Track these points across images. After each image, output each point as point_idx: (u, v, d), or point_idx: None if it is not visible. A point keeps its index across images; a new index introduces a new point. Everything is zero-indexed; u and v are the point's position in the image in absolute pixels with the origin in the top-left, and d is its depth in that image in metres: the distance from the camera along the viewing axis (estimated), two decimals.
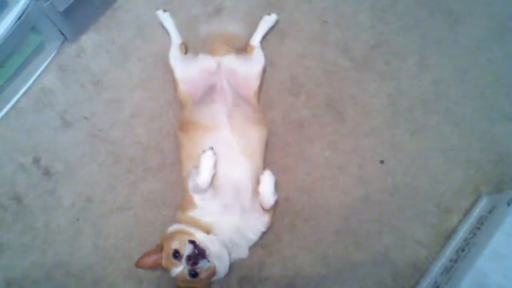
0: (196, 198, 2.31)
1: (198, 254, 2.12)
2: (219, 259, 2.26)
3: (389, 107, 2.89)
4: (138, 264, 2.30)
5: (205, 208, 2.32)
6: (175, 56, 2.76)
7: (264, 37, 2.94)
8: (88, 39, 2.99)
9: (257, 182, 2.33)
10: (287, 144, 2.83)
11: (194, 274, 2.16)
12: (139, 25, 3.02)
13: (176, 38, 2.86)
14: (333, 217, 2.73)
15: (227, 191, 2.33)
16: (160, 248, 2.29)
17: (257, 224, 2.40)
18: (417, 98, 2.90)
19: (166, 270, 2.27)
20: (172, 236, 2.27)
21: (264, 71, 2.78)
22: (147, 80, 2.93)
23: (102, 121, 2.86)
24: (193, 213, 2.33)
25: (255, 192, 2.32)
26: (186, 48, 2.88)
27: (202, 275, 2.19)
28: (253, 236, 2.42)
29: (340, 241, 2.69)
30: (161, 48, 2.97)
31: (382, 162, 2.80)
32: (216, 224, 2.31)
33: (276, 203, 2.37)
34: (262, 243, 2.65)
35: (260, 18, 2.98)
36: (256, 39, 2.86)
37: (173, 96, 2.86)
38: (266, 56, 2.86)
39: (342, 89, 2.92)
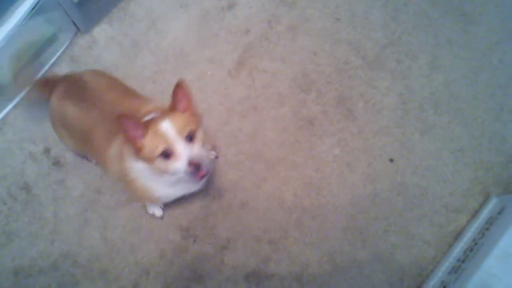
0: None
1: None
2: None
3: (400, 106, 2.88)
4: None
5: None
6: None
7: (277, 33, 2.95)
8: (101, 31, 3.00)
9: None
10: (296, 141, 2.83)
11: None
12: (151, 18, 3.03)
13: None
14: (341, 214, 2.72)
15: None
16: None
17: None
18: (428, 98, 2.89)
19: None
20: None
21: None
22: (158, 74, 2.94)
23: None
24: None
25: None
26: None
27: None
28: None
29: (347, 238, 2.69)
30: (173, 42, 2.98)
31: (391, 160, 2.79)
32: None
33: None
34: (269, 238, 2.66)
35: (272, 15, 2.99)
36: None
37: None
38: (279, 52, 2.90)
39: (353, 87, 2.91)
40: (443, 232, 2.68)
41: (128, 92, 2.41)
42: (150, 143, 1.89)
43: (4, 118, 2.84)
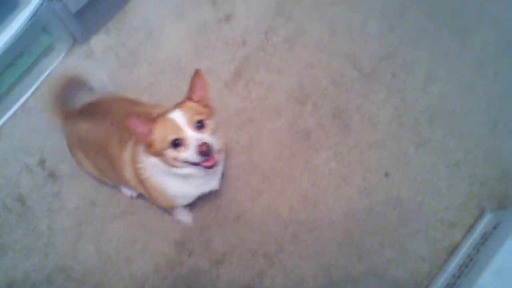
0: None
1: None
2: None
3: (395, 119, 2.88)
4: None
5: None
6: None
7: (273, 45, 2.97)
8: (98, 42, 3.00)
9: None
10: (292, 154, 2.83)
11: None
12: (148, 29, 3.03)
13: None
14: (337, 228, 2.72)
15: None
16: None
17: None
18: (423, 111, 2.90)
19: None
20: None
21: None
22: (155, 85, 2.94)
23: None
24: None
25: None
26: None
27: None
28: None
29: (343, 252, 2.68)
30: (170, 53, 2.98)
31: (386, 174, 2.79)
32: None
33: None
34: (264, 252, 2.66)
35: (269, 26, 3.00)
36: None
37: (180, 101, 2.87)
38: (275, 64, 2.92)
39: (349, 100, 2.91)
40: (438, 247, 2.68)
41: (136, 101, 2.44)
42: (160, 135, 1.91)
43: None
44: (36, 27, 2.63)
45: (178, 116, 1.90)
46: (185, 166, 1.97)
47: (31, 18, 2.53)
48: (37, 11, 2.55)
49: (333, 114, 2.89)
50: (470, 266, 2.42)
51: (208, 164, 1.94)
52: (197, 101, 2.00)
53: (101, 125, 2.25)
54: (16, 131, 2.84)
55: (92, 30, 3.00)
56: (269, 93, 2.94)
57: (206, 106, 2.03)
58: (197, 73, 1.98)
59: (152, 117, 1.97)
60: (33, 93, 2.89)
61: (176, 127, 1.89)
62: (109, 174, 2.46)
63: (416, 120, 2.89)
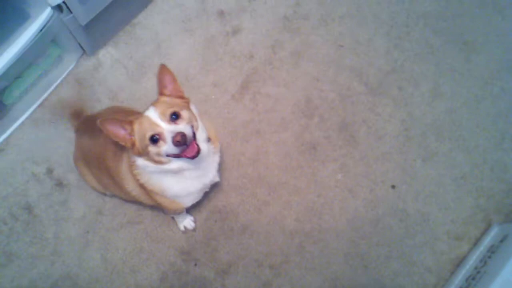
0: None
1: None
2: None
3: (402, 132, 2.89)
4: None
5: None
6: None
7: (280, 59, 2.99)
8: (106, 54, 3.02)
9: None
10: (299, 166, 2.84)
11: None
12: (156, 42, 3.05)
13: None
14: (343, 239, 2.72)
15: None
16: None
17: None
18: (430, 125, 2.91)
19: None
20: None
21: None
22: None
23: None
24: None
25: None
26: None
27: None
28: None
29: (349, 264, 2.68)
30: (178, 65, 3.00)
31: (393, 187, 2.79)
32: None
33: None
34: (270, 263, 2.65)
35: (276, 40, 3.02)
36: None
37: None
38: (282, 78, 2.94)
39: (355, 113, 2.93)
40: (444, 260, 2.68)
41: (136, 112, 2.44)
42: (139, 134, 1.95)
43: (7, 138, 2.85)
44: (46, 39, 2.65)
45: (151, 113, 1.94)
46: (170, 160, 2.00)
47: (41, 30, 2.55)
48: (47, 23, 2.57)
49: (340, 127, 2.90)
50: (477, 279, 2.40)
51: (190, 154, 1.95)
52: (169, 95, 2.04)
53: (99, 138, 2.29)
54: (23, 141, 2.85)
55: (100, 42, 3.03)
56: (276, 106, 2.95)
57: (180, 97, 2.07)
58: (162, 68, 2.03)
59: (130, 119, 2.00)
60: (41, 104, 2.91)
61: (151, 123, 1.92)
62: (112, 188, 2.48)
63: (423, 134, 2.89)
